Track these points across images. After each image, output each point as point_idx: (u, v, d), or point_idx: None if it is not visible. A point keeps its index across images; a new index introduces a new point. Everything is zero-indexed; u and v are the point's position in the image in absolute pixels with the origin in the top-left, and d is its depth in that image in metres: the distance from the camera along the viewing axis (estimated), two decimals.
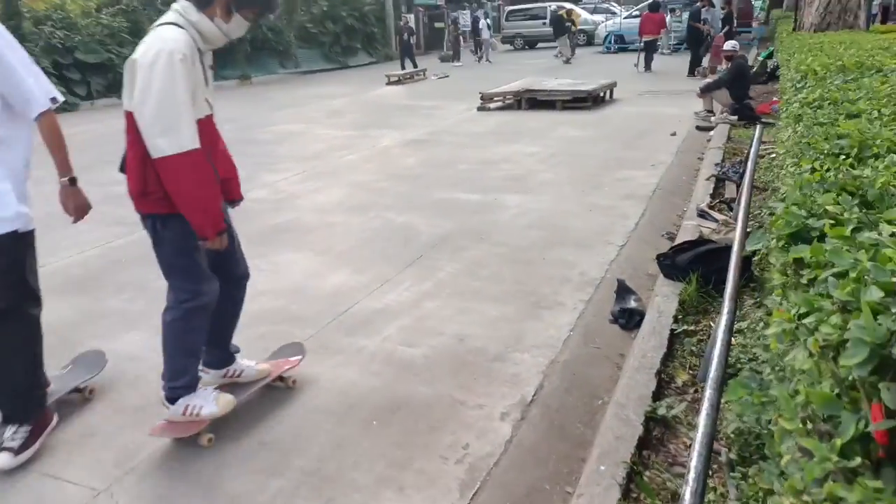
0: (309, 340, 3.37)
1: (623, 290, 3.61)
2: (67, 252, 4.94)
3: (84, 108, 15.17)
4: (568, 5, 25.24)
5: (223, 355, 2.85)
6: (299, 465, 2.42)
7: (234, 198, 2.78)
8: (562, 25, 20.85)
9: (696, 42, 14.57)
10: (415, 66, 19.35)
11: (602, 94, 11.30)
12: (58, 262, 4.73)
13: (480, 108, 11.41)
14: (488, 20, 23.57)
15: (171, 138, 2.18)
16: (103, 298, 4.06)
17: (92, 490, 2.33)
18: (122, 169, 2.46)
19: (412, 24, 25.26)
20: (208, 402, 2.54)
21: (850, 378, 1.03)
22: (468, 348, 3.22)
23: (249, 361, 2.91)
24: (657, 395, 2.69)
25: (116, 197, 6.44)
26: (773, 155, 5.83)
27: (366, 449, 2.50)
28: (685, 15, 16.95)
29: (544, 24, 23.42)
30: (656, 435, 2.49)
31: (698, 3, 15.22)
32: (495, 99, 11.54)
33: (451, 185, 6.39)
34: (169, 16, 2.31)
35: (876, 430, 0.94)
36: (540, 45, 26.77)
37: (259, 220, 5.52)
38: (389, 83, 17.01)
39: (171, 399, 2.53)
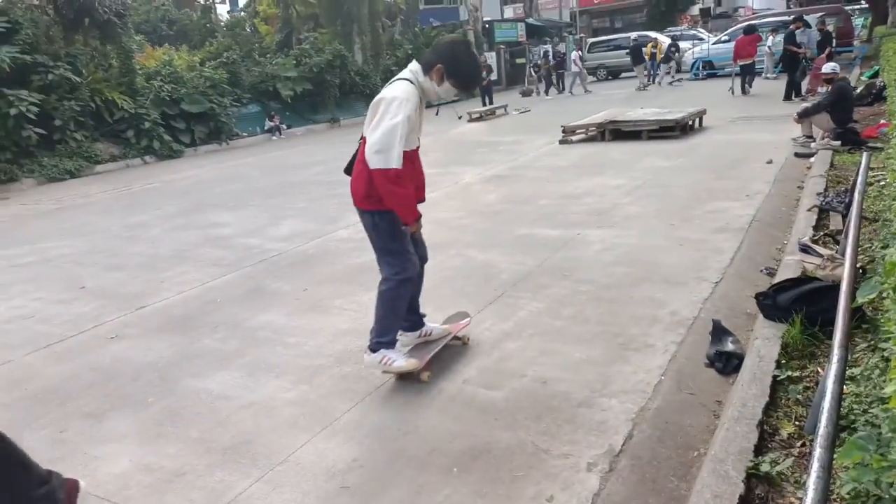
0: (390, 381, 3.37)
1: (719, 332, 3.38)
2: (168, 292, 5.24)
3: (188, 155, 16.32)
4: (652, 34, 24.86)
5: (416, 319, 3.58)
6: None
7: (421, 199, 3.51)
8: (639, 54, 20.74)
9: (791, 66, 13.89)
10: (491, 102, 19.59)
11: (690, 123, 10.93)
12: (159, 303, 5.02)
13: (562, 142, 11.32)
14: (580, 52, 23.47)
15: (383, 157, 2.96)
16: (198, 338, 4.24)
17: None
18: (348, 171, 3.32)
19: (491, 62, 25.67)
20: (400, 358, 3.29)
21: None
22: (551, 392, 3.10)
23: (434, 324, 3.67)
24: (759, 449, 2.47)
25: (215, 239, 6.89)
26: (883, 182, 5.38)
27: (446, 496, 2.44)
28: (779, 37, 16.19)
29: (627, 54, 23.09)
30: (759, 494, 2.28)
31: (791, 26, 14.54)
32: (577, 131, 11.42)
33: (533, 220, 6.32)
34: (405, 73, 3.13)
35: None
36: (623, 74, 26.45)
37: (343, 260, 5.66)
38: (471, 120, 17.24)
39: (374, 350, 3.28)
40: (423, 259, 3.56)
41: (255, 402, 3.30)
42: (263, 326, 4.32)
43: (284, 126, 19.03)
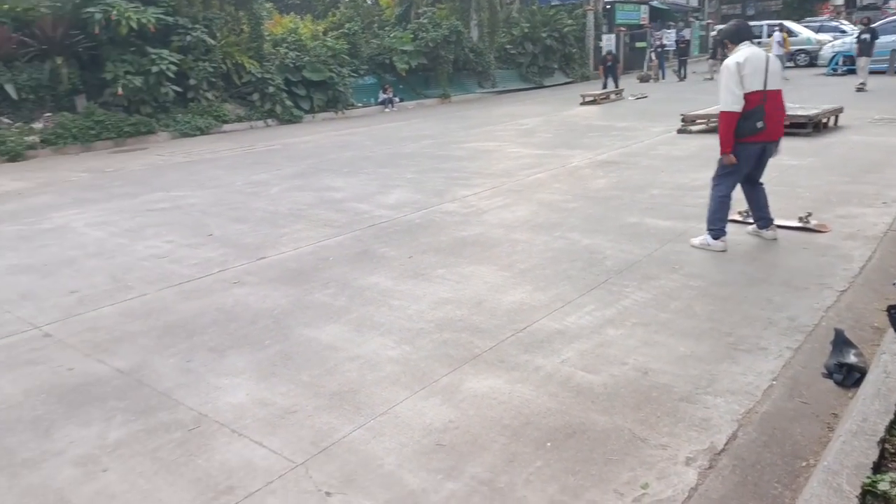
0: (487, 353, 3.44)
1: (841, 342, 3.18)
2: (285, 247, 5.57)
3: (306, 120, 17.04)
4: (787, 24, 23.11)
5: (760, 216, 5.06)
6: (473, 472, 2.47)
7: (775, 138, 4.77)
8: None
9: None
10: (616, 85, 19.07)
11: (825, 121, 10.14)
12: (277, 256, 5.35)
13: (681, 131, 10.84)
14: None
15: (723, 101, 4.61)
16: (311, 291, 4.50)
17: (290, 462, 2.59)
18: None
19: (609, 45, 24.87)
20: (717, 244, 4.83)
21: None
22: (652, 383, 3.05)
23: (770, 231, 5.06)
24: (878, 467, 2.33)
25: (328, 201, 7.22)
26: None
27: (538, 468, 2.48)
28: None
29: (759, 43, 21.56)
30: None
31: None
32: (698, 121, 10.89)
33: (644, 209, 6.15)
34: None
35: None
36: None
37: (447, 232, 5.76)
38: (584, 103, 16.85)
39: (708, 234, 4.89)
40: (758, 182, 4.99)
41: (360, 355, 3.48)
42: (370, 287, 4.51)
43: (397, 99, 19.42)
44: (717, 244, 4.83)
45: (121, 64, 13.69)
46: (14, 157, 12.00)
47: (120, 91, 13.56)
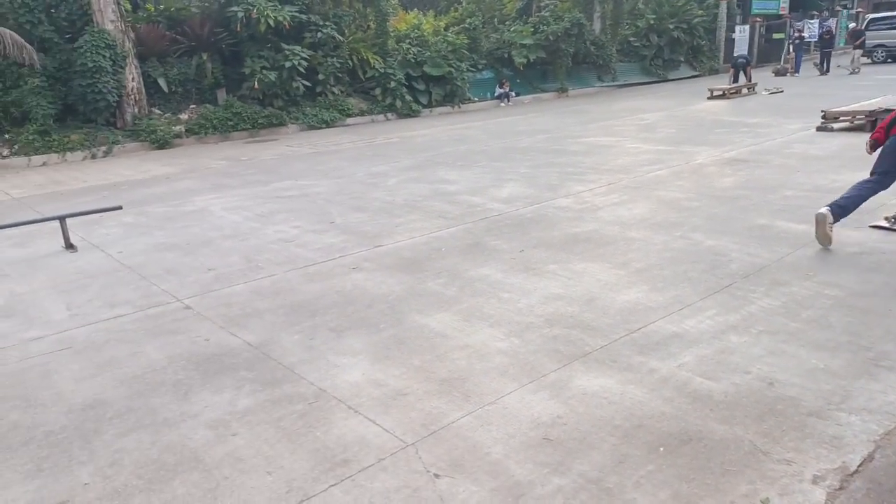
0: (599, 351, 3.38)
1: None
2: (401, 236, 5.76)
3: (424, 115, 17.42)
4: None
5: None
6: (581, 470, 2.45)
7: None
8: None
9: None
10: (749, 79, 17.47)
11: None
12: (392, 244, 5.54)
13: (820, 128, 9.99)
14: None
15: None
16: (424, 280, 4.62)
17: (401, 441, 2.69)
18: None
19: (742, 36, 23.29)
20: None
21: None
22: (778, 395, 2.87)
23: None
24: None
25: (442, 194, 7.37)
26: None
27: (650, 472, 2.41)
28: None
29: None
30: None
31: None
32: (841, 119, 9.98)
33: (775, 211, 5.74)
34: None
35: None
36: None
37: (560, 228, 5.70)
38: (712, 97, 15.96)
39: (831, 212, 4.64)
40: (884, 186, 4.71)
41: (469, 344, 3.54)
42: (481, 279, 4.56)
43: (513, 93, 19.36)
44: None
45: (258, 59, 14.69)
46: (162, 144, 13.27)
47: (256, 85, 14.55)
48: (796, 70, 21.29)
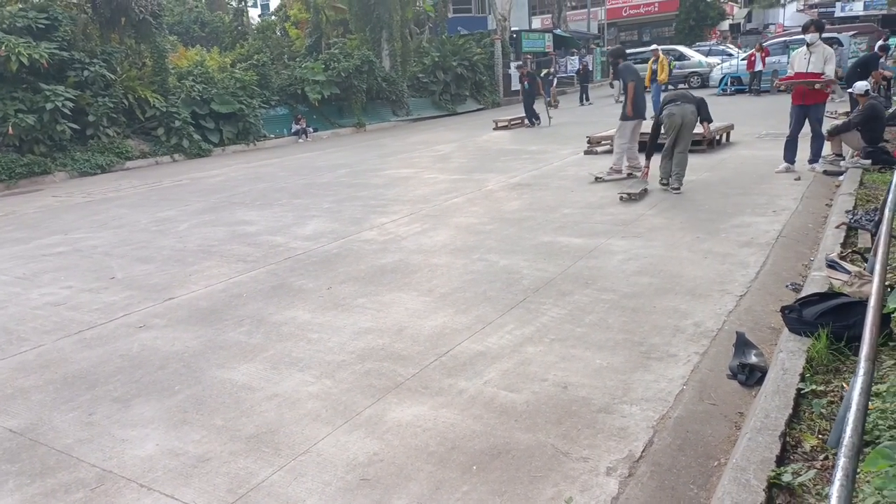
0: (411, 380, 3.41)
1: (743, 344, 3.37)
2: (195, 286, 5.33)
3: (216, 154, 16.56)
4: (679, 48, 24.72)
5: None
6: None
7: None
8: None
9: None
10: (534, 116, 17.19)
11: (718, 137, 10.85)
12: (186, 295, 5.11)
13: (587, 152, 11.31)
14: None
15: None
16: (224, 331, 4.32)
17: None
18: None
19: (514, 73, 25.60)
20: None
21: None
22: (572, 397, 3.12)
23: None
24: (781, 460, 2.46)
25: (241, 236, 7.00)
26: None
27: (465, 493, 2.46)
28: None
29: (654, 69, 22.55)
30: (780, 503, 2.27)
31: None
32: (603, 142, 11.40)
33: (556, 228, 6.33)
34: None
35: None
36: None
37: (366, 261, 5.71)
38: (497, 128, 17.29)
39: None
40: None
41: (278, 393, 3.36)
42: (287, 322, 4.38)
43: (311, 129, 19.23)
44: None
45: (10, 102, 12.88)
46: None
47: (11, 130, 12.72)
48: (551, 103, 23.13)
